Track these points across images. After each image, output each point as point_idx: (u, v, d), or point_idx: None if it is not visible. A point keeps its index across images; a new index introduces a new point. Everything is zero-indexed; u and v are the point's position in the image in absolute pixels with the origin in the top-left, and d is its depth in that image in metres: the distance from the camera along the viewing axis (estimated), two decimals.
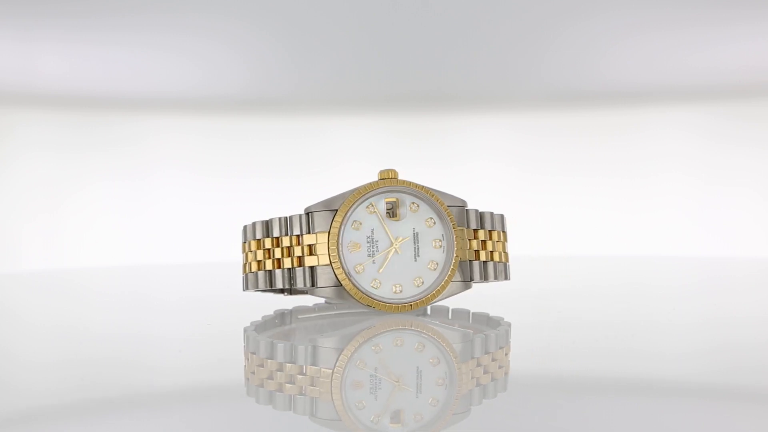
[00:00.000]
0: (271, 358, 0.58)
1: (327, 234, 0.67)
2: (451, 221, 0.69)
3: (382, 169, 0.69)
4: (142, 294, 1.06)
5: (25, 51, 1.34)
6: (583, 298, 0.90)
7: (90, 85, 1.38)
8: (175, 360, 0.63)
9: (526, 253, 1.37)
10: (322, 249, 0.67)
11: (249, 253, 0.70)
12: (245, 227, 0.70)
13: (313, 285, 0.67)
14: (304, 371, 0.55)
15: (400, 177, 0.70)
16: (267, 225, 0.69)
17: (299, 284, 0.68)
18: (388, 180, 0.69)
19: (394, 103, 1.43)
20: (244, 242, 0.70)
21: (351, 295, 0.67)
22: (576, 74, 1.41)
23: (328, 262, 0.67)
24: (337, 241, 0.67)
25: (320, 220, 0.67)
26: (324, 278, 0.67)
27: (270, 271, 0.68)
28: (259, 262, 0.69)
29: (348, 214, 0.67)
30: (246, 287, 0.70)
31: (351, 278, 0.67)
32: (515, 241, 1.41)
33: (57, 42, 1.35)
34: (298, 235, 0.68)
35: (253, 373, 0.57)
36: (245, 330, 0.66)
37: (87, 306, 0.92)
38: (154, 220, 1.39)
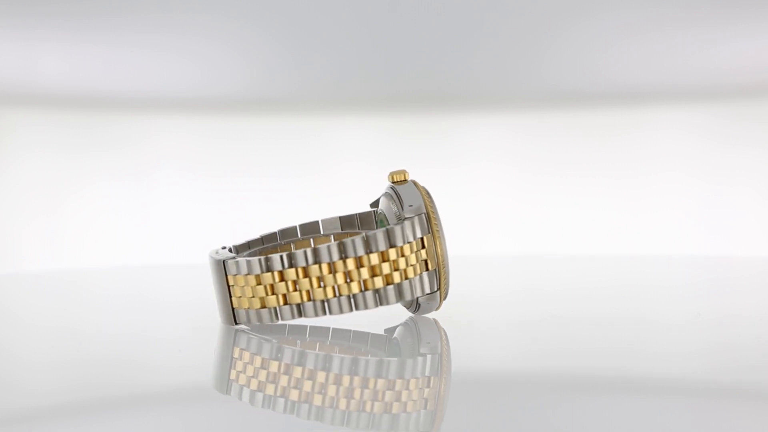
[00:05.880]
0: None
1: (431, 237, 0.62)
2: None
3: (394, 170, 0.65)
4: (141, 294, 1.05)
5: (25, 51, 1.34)
6: (583, 298, 0.90)
7: (90, 85, 1.38)
8: (175, 360, 0.63)
9: (526, 253, 1.37)
10: (427, 254, 0.62)
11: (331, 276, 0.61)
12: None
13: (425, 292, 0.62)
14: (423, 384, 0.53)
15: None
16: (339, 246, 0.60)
17: (416, 294, 0.62)
18: (414, 181, 0.66)
19: (394, 103, 1.43)
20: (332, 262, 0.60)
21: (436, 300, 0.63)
22: (576, 74, 1.41)
23: (435, 267, 0.62)
24: (442, 243, 0.62)
25: (418, 225, 0.62)
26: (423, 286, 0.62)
27: (378, 289, 0.60)
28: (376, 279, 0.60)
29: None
30: (336, 311, 0.61)
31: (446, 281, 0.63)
32: (515, 241, 1.41)
33: (57, 42, 1.35)
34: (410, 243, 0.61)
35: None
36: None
37: (87, 306, 0.92)
38: (154, 220, 1.39)
